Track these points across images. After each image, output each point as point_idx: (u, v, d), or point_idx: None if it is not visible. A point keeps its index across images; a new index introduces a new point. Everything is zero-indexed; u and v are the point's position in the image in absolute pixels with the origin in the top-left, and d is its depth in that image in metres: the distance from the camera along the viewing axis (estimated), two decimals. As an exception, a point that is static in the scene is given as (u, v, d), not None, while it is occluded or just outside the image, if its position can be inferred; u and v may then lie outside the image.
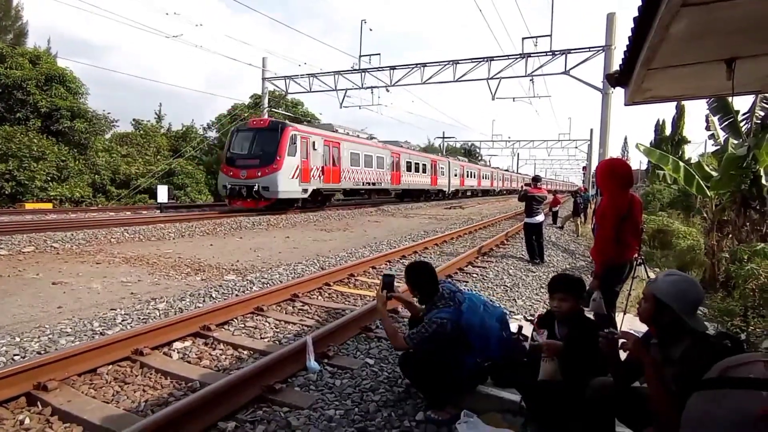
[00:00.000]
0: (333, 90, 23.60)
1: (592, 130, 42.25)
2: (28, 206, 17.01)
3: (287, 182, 16.02)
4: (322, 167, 18.45)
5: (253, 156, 16.22)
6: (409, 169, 27.34)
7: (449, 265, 7.43)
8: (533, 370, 2.72)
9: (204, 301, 5.27)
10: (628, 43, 3.43)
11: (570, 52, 18.90)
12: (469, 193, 39.30)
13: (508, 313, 5.44)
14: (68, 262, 7.92)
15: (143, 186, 22.45)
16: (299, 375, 3.36)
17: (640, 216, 4.10)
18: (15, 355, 3.65)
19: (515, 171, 62.66)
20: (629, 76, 3.96)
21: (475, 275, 7.37)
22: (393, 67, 22.15)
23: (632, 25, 3.11)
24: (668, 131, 37.52)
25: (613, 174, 3.88)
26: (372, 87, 23.36)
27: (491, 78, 20.53)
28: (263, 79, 24.67)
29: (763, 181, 10.05)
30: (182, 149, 25.94)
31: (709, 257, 11.17)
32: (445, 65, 21.18)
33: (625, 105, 4.54)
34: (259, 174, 15.64)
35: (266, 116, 23.17)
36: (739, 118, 10.93)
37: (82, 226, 11.25)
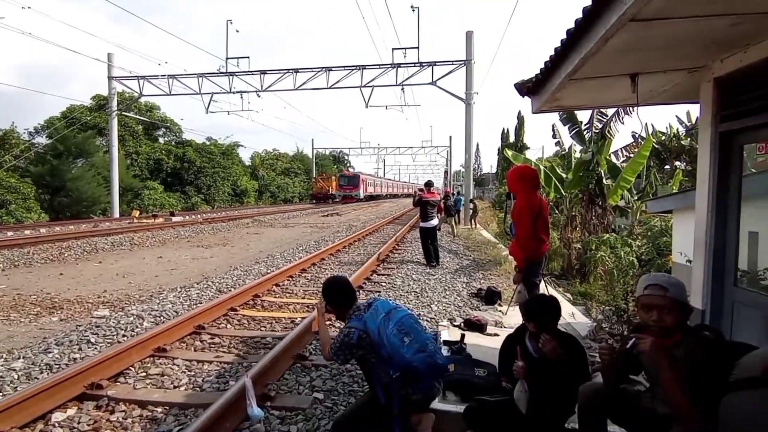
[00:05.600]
0: (197, 93, 21.65)
1: (451, 137, 46.97)
2: None
3: (362, 193, 46.72)
4: (367, 187, 48.82)
5: (349, 184, 46.23)
6: (383, 186, 59.50)
7: (358, 275, 7.20)
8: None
9: (79, 349, 4.12)
10: (553, 54, 3.59)
11: (436, 65, 20.21)
12: (389, 196, 64.34)
13: (422, 317, 5.40)
14: None
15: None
16: (242, 429, 2.78)
17: (547, 214, 4.64)
18: None
19: (383, 177, 69.91)
20: (543, 86, 4.20)
21: (383, 284, 7.24)
22: (264, 72, 21.14)
23: (564, 37, 3.26)
24: (511, 138, 43.37)
25: (523, 178, 4.33)
26: (241, 92, 22.08)
27: (364, 86, 20.91)
28: (110, 78, 21.47)
29: (605, 181, 11.93)
30: (0, 158, 21.12)
31: (566, 249, 12.85)
32: (319, 72, 20.93)
33: (533, 113, 4.82)
34: (353, 190, 46.03)
35: (115, 119, 23.27)
36: (582, 128, 12.83)
37: None
